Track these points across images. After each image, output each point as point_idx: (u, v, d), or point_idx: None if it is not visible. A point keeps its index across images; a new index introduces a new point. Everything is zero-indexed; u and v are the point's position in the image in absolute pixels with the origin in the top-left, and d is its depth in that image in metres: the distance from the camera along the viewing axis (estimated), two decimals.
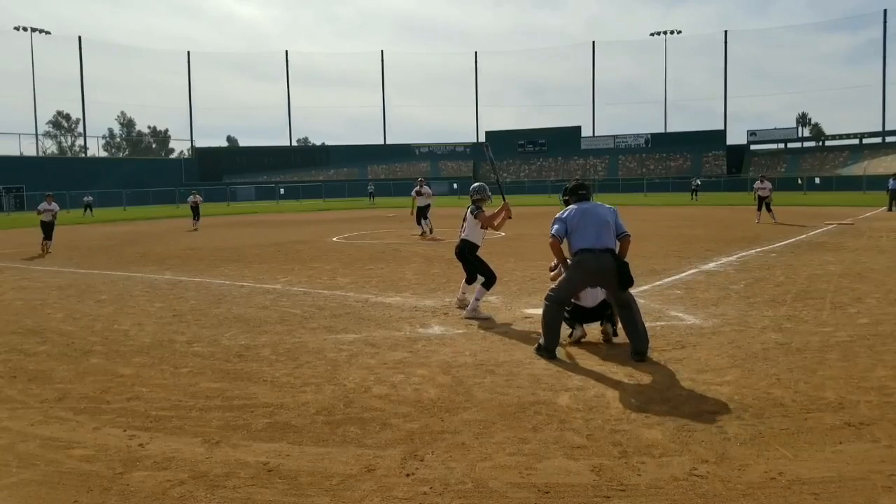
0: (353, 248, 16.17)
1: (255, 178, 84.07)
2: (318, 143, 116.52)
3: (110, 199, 60.00)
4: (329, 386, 4.90)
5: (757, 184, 22.35)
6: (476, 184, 8.19)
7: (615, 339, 6.10)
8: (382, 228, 23.07)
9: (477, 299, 7.40)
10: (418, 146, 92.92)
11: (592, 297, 6.20)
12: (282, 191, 73.59)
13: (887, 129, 77.29)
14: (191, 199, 26.90)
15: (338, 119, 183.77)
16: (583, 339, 6.17)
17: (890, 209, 26.92)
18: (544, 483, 3.25)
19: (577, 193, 6.09)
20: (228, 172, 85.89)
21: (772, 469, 3.35)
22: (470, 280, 7.78)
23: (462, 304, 7.78)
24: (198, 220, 26.34)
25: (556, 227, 5.86)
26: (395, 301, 8.47)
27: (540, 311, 6.02)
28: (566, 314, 6.04)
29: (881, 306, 7.54)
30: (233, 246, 17.45)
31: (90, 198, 48.04)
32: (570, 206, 5.98)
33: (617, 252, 5.77)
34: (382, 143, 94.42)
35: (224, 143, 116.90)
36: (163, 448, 3.79)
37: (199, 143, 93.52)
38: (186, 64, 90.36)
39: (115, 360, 5.83)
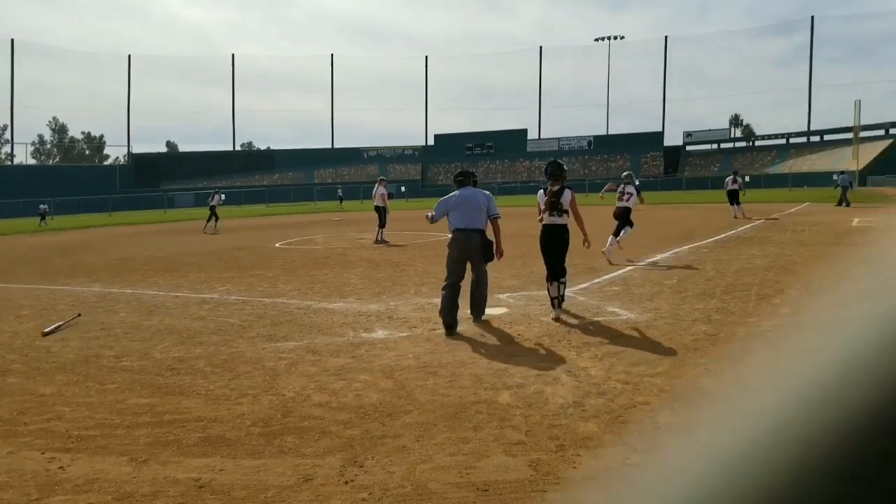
0: (297, 253, 15.93)
1: (194, 184, 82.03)
2: (262, 147, 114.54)
3: (34, 209, 57.33)
4: (267, 396, 4.82)
5: (728, 180, 22.67)
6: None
7: (561, 322, 6.22)
8: (328, 233, 22.81)
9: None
10: (367, 149, 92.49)
11: None
12: (223, 196, 71.91)
13: (812, 129, 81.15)
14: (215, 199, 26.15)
15: (284, 123, 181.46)
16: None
17: (839, 204, 27.44)
18: (483, 481, 3.28)
19: (457, 180, 7.30)
20: (167, 179, 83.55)
21: None
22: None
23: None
24: (215, 221, 25.66)
25: (435, 211, 7.17)
26: (338, 307, 8.39)
27: (490, 311, 7.16)
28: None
29: (802, 297, 7.89)
30: (168, 254, 16.95)
31: (45, 206, 43.95)
32: (454, 192, 7.14)
33: (490, 230, 7.06)
34: (330, 146, 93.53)
35: (163, 149, 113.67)
36: (85, 470, 3.64)
37: (137, 149, 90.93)
38: (127, 67, 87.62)
39: (35, 379, 5.56)
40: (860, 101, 66.98)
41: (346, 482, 3.34)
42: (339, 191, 60.15)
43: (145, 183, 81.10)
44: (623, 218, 12.51)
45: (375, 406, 4.50)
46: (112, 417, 4.51)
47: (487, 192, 7.24)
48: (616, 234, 12.10)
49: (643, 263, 11.44)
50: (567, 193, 7.41)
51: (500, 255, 7.19)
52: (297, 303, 8.79)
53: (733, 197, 22.27)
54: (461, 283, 6.86)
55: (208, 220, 26.06)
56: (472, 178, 7.33)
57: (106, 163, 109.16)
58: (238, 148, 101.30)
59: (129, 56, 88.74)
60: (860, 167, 63.30)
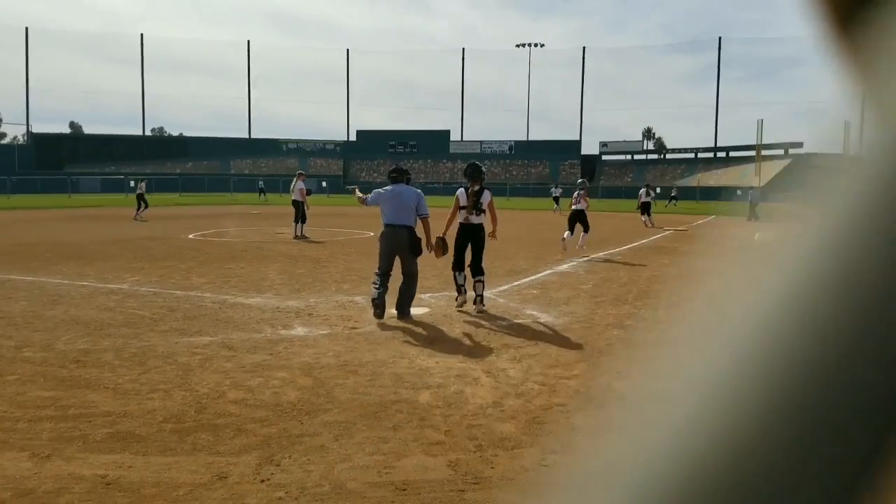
0: (212, 245, 15.43)
1: (101, 168, 77.84)
2: (175, 133, 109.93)
3: None
4: (179, 392, 4.65)
5: (642, 192, 24.27)
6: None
7: (481, 317, 6.31)
8: (246, 226, 22.18)
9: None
10: (286, 142, 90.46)
11: None
12: (132, 183, 68.68)
13: (719, 145, 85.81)
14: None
15: (198, 109, 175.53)
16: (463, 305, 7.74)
17: (750, 219, 29.07)
18: (402, 481, 3.29)
19: (391, 177, 7.62)
20: (71, 162, 78.86)
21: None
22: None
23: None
24: (144, 208, 25.19)
25: (371, 196, 7.67)
26: (255, 302, 8.19)
27: (412, 310, 7.40)
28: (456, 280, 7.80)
29: (707, 305, 8.35)
30: (73, 241, 16.02)
31: None
32: (388, 186, 7.50)
33: (421, 228, 7.49)
34: (247, 136, 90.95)
35: (66, 130, 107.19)
36: None
37: (37, 129, 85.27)
38: (24, 41, 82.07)
39: None
40: (762, 120, 71.43)
41: (263, 481, 3.28)
42: (260, 183, 58.31)
43: (47, 165, 76.18)
44: (578, 218, 14.23)
45: (293, 404, 4.43)
46: (12, 410, 4.24)
47: (419, 191, 7.57)
48: (571, 230, 14.00)
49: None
50: (486, 194, 7.87)
51: (430, 248, 7.60)
52: (212, 296, 8.52)
53: (646, 208, 23.64)
54: (391, 273, 7.29)
55: (138, 208, 25.46)
56: (405, 176, 7.67)
57: (2, 142, 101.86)
58: (148, 133, 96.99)
59: (27, 29, 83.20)
60: (762, 184, 67.43)
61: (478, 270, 7.68)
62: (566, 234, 13.84)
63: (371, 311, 7.16)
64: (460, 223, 7.84)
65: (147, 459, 3.52)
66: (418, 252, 7.36)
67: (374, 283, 7.16)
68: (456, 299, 7.86)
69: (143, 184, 27.04)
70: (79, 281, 9.71)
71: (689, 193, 67.84)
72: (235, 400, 4.50)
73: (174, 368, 5.23)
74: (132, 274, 10.46)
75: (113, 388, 4.73)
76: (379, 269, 7.25)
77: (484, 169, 8.05)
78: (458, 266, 7.81)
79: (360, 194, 8.03)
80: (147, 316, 7.26)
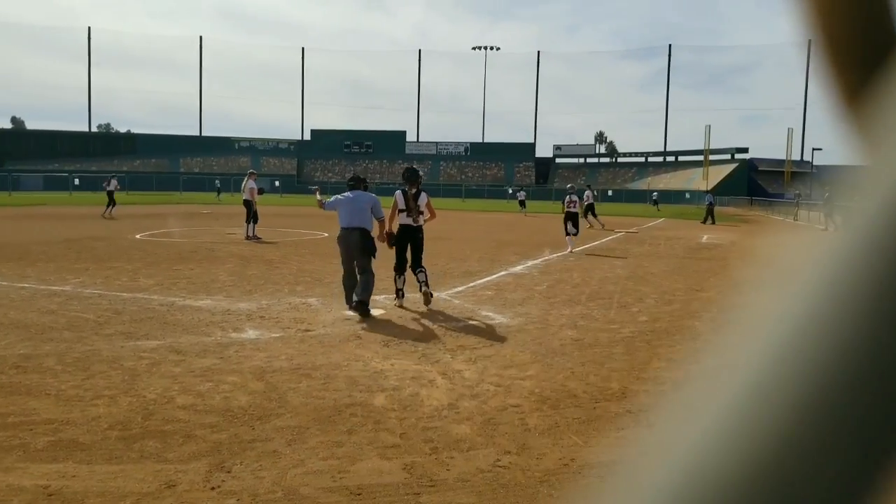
0: (160, 246, 15.03)
1: (44, 165, 75.06)
2: (122, 129, 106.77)
3: None
4: (126, 398, 4.51)
5: (588, 194, 24.74)
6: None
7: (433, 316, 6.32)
8: (196, 226, 21.68)
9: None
10: (238, 140, 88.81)
11: None
12: (76, 181, 66.42)
13: (668, 149, 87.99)
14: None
15: (147, 106, 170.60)
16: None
17: (704, 222, 29.75)
18: (356, 485, 3.27)
19: (349, 184, 8.10)
20: (12, 158, 75.77)
21: (565, 456, 3.66)
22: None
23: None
24: (112, 206, 25.04)
25: (330, 201, 8.12)
26: (205, 304, 8.01)
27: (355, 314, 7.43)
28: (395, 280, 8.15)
29: (658, 306, 8.55)
30: (13, 242, 15.38)
31: None
32: (346, 193, 7.94)
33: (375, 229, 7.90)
34: (198, 134, 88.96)
35: (7, 125, 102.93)
36: None
37: None
38: None
39: None
40: (710, 126, 73.57)
41: (213, 488, 3.21)
42: (217, 182, 56.83)
43: None
44: (573, 219, 15.96)
45: (245, 409, 4.35)
46: None
47: (374, 196, 8.01)
48: (567, 231, 15.79)
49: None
50: (424, 196, 8.25)
51: (383, 239, 8.08)
52: (160, 299, 8.30)
53: (590, 209, 24.19)
54: (356, 272, 7.70)
55: (108, 206, 25.24)
56: (362, 184, 8.18)
57: None
58: (95, 129, 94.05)
59: None
60: (709, 188, 69.41)
61: (419, 268, 8.08)
62: (570, 232, 15.82)
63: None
64: (401, 224, 8.17)
65: (91, 468, 3.40)
66: (372, 250, 7.68)
67: (343, 281, 7.81)
68: (394, 302, 8.20)
69: (115, 181, 26.70)
70: (19, 283, 9.32)
71: (640, 196, 69.37)
72: (184, 405, 4.39)
73: (120, 373, 5.07)
74: (76, 275, 10.11)
75: (55, 394, 4.55)
76: (343, 268, 7.78)
77: (421, 173, 8.46)
78: (399, 269, 8.18)
79: (320, 197, 8.49)
80: (91, 319, 7.02)
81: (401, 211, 8.14)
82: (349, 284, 7.68)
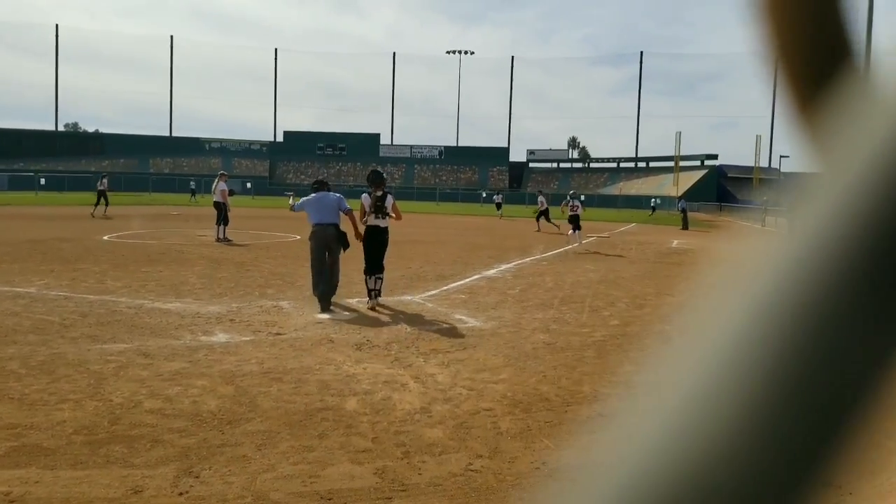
0: (128, 247, 14.77)
1: (9, 164, 73.32)
2: (90, 129, 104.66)
3: None
4: (91, 402, 4.42)
5: (541, 199, 25.29)
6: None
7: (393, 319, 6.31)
8: (164, 227, 21.35)
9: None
10: (209, 141, 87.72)
11: None
12: (42, 181, 64.99)
13: (640, 155, 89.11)
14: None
15: (116, 105, 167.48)
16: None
17: (684, 228, 29.99)
18: (327, 490, 3.24)
19: (313, 188, 8.84)
20: None
21: (537, 460, 3.68)
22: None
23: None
24: (105, 206, 25.40)
25: (298, 203, 8.87)
26: (174, 307, 7.89)
27: (330, 315, 7.59)
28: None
29: (629, 310, 8.65)
30: None
31: None
32: (312, 195, 8.60)
33: (347, 223, 8.46)
34: (168, 134, 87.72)
35: None
36: None
37: None
38: None
39: None
40: (680, 133, 74.65)
41: (181, 493, 3.16)
42: (191, 183, 55.64)
43: None
44: (574, 221, 17.91)
45: (214, 413, 4.29)
46: None
47: (339, 195, 8.67)
48: (573, 230, 17.95)
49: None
50: (389, 198, 8.50)
51: (358, 238, 8.42)
52: (128, 301, 8.16)
53: (543, 214, 24.63)
54: (326, 268, 8.18)
55: (97, 204, 25.45)
56: (326, 186, 8.91)
57: None
58: (62, 128, 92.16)
59: None
60: (679, 194, 70.47)
61: (378, 269, 8.33)
62: (570, 232, 17.99)
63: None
64: (367, 226, 8.44)
65: (56, 474, 3.33)
66: (346, 244, 8.38)
67: (312, 274, 8.27)
68: (367, 304, 8.27)
69: (106, 180, 26.83)
70: None
71: (611, 201, 70.04)
72: (152, 410, 4.32)
73: (86, 377, 4.97)
74: (41, 277, 9.88)
75: (18, 398, 4.44)
76: (312, 263, 8.27)
77: (385, 175, 8.75)
78: (370, 270, 8.35)
79: (292, 201, 9.23)
80: (56, 321, 6.87)
81: (367, 213, 8.38)
82: (318, 270, 8.20)
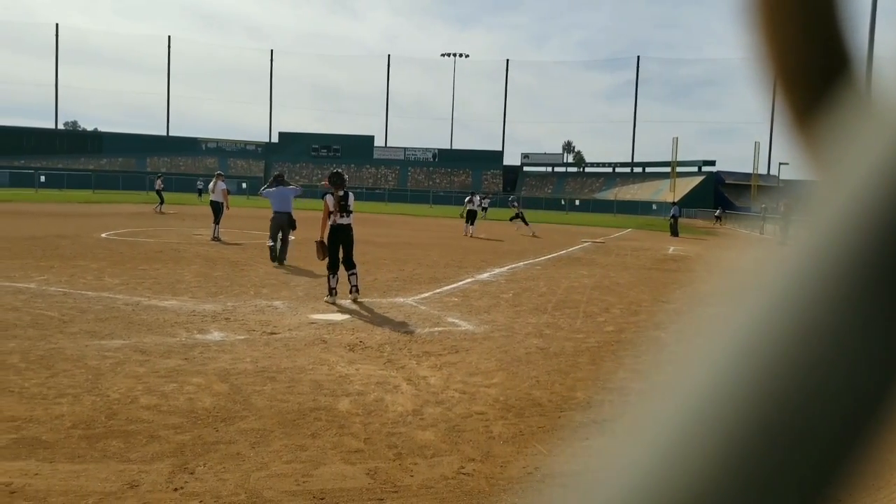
0: (126, 245, 14.78)
1: (9, 161, 73.17)
2: (89, 128, 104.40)
3: None
4: (89, 397, 4.48)
5: (477, 199, 24.92)
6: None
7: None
8: (161, 226, 21.36)
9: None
10: (205, 140, 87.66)
11: None
12: (42, 178, 64.79)
13: (636, 160, 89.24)
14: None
15: (114, 104, 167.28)
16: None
17: (675, 235, 29.95)
18: (320, 489, 3.30)
19: (274, 180, 12.58)
20: None
21: (529, 464, 3.74)
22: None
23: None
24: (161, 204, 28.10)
25: (266, 193, 12.63)
26: (171, 304, 7.94)
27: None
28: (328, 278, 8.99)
29: (624, 316, 8.71)
30: None
31: None
32: (273, 188, 12.47)
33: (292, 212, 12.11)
34: (165, 133, 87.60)
35: None
36: None
37: None
38: None
39: None
40: (677, 138, 74.78)
41: (176, 489, 3.22)
42: (199, 183, 55.16)
43: None
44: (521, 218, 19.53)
45: (209, 410, 4.35)
46: None
47: (293, 187, 12.64)
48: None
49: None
50: (351, 196, 9.02)
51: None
52: (125, 298, 8.20)
53: (472, 216, 23.90)
54: (279, 237, 11.95)
55: (161, 203, 28.47)
56: (284, 182, 12.60)
57: None
58: (61, 126, 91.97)
59: None
60: (676, 199, 70.60)
61: (350, 265, 8.80)
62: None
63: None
64: (331, 226, 8.84)
65: (54, 467, 3.38)
66: (293, 226, 12.22)
67: (270, 244, 12.04)
68: (326, 298, 8.66)
69: (160, 180, 29.94)
70: None
71: (607, 206, 70.09)
72: (148, 406, 4.37)
73: (84, 372, 5.02)
74: (41, 273, 9.92)
75: (18, 392, 4.50)
76: (271, 237, 12.04)
77: (346, 176, 9.18)
78: (333, 268, 8.74)
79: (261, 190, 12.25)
80: (56, 317, 6.92)
81: (333, 213, 8.79)
82: (273, 235, 11.93)
